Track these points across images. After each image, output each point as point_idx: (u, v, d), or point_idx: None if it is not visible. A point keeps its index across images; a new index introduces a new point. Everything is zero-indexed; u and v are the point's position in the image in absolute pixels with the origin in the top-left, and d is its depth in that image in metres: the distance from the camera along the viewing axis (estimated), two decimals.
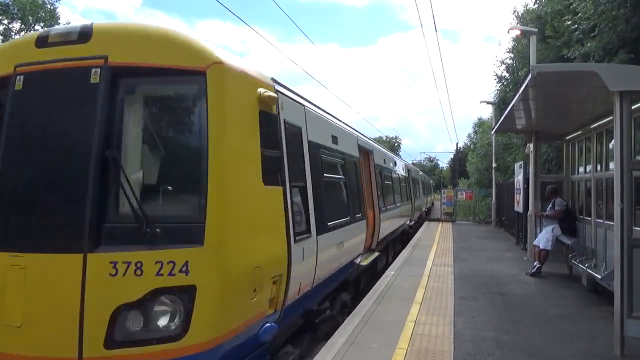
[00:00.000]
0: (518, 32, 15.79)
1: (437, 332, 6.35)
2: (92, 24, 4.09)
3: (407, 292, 8.76)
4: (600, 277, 8.00)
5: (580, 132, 10.31)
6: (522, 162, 15.37)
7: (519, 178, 15.37)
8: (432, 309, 7.55)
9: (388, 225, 12.40)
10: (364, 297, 8.47)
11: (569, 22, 14.21)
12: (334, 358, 5.38)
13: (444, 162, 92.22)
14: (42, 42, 4.09)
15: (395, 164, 16.49)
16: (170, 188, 4.06)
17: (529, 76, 6.96)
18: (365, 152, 10.84)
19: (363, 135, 11.30)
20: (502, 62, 24.79)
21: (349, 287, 8.68)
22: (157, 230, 3.60)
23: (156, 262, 3.55)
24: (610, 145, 8.09)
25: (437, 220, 29.04)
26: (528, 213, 12.74)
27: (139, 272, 3.55)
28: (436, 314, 7.30)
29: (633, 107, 6.00)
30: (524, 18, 21.98)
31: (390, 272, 10.83)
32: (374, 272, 11.05)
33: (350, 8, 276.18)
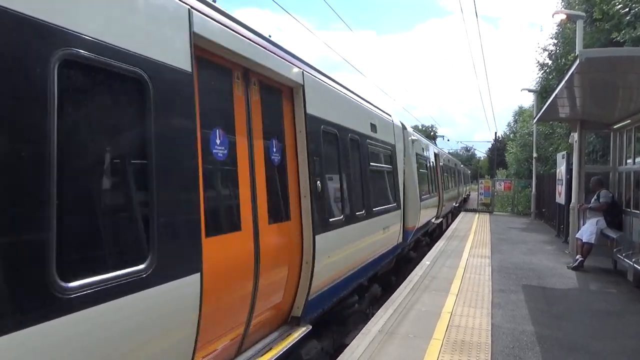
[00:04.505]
0: (564, 17, 15.09)
1: (474, 324, 6.25)
2: None
3: (442, 283, 8.65)
4: None
5: (629, 120, 9.84)
6: (565, 153, 14.83)
7: (561, 169, 14.84)
8: (468, 301, 7.43)
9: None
10: None
11: (620, 6, 13.49)
12: (369, 346, 5.38)
13: (481, 152, 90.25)
14: None
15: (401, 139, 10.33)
16: None
17: (577, 62, 6.68)
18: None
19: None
20: (545, 49, 23.86)
21: None
22: None
23: None
24: None
25: (474, 210, 28.49)
26: (570, 205, 12.30)
27: None
28: (473, 305, 7.17)
29: None
30: (571, 2, 21.03)
31: (425, 262, 10.72)
32: None
33: None
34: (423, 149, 13.93)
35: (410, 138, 11.41)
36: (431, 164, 15.49)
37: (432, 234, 16.17)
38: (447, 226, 19.61)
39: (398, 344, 5.50)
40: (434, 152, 17.18)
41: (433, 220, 15.18)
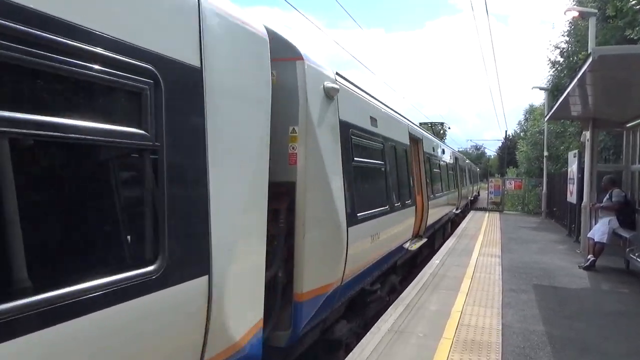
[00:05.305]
0: (576, 14, 14.92)
1: (484, 324, 6.22)
2: None
3: (452, 282, 8.62)
4: None
5: None
6: (576, 151, 14.69)
7: (572, 167, 14.70)
8: (478, 300, 7.40)
9: None
10: None
11: (634, 2, 13.32)
12: (378, 344, 5.38)
13: (491, 151, 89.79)
14: None
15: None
16: None
17: (589, 60, 6.61)
18: None
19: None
20: (556, 47, 23.64)
21: None
22: None
23: None
24: None
25: (484, 209, 28.35)
26: (582, 204, 12.19)
27: None
28: (483, 305, 7.14)
29: None
30: None
31: (435, 261, 10.68)
32: None
33: None
34: (375, 119, 7.22)
35: (323, 85, 5.05)
36: (404, 152, 9.52)
37: (416, 258, 11.35)
38: (444, 240, 14.90)
39: (408, 342, 5.50)
40: (412, 136, 10.63)
41: (408, 245, 9.65)
